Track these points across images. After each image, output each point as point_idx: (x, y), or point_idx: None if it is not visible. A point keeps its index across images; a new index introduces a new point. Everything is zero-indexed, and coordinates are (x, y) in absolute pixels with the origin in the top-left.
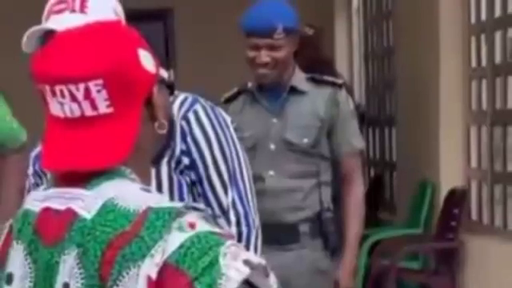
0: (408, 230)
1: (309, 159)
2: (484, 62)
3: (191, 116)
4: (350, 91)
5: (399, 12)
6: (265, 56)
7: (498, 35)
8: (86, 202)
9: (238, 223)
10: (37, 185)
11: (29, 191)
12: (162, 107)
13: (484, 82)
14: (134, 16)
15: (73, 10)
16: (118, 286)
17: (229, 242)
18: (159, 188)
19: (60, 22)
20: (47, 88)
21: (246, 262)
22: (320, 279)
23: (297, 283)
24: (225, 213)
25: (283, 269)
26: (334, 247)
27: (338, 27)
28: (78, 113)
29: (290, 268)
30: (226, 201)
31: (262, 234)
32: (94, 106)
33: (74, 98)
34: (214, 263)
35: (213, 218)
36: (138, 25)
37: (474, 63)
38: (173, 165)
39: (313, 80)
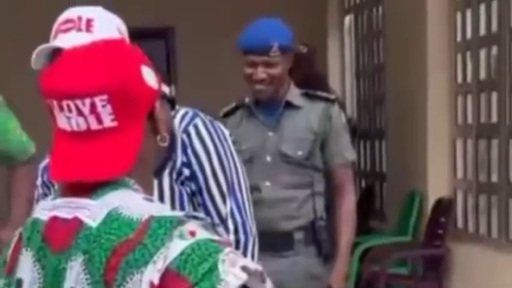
0: (397, 238)
1: (303, 171)
2: (469, 78)
3: (191, 130)
4: (342, 106)
5: (388, 31)
6: (261, 73)
7: (482, 53)
8: (91, 211)
9: (236, 231)
10: (45, 195)
11: (37, 201)
12: (164, 121)
13: (469, 97)
14: (137, 34)
15: (79, 29)
16: None
17: (227, 249)
18: (161, 198)
19: (67, 40)
20: (55, 103)
21: (244, 268)
22: (314, 284)
23: None
24: (223, 221)
25: (279, 274)
26: (327, 254)
27: (331, 45)
28: (84, 126)
29: (285, 274)
30: (225, 210)
31: (258, 242)
32: (99, 120)
33: (80, 113)
34: (213, 269)
35: (212, 227)
36: (140, 43)
37: (459, 79)
38: (174, 176)
39: (307, 95)
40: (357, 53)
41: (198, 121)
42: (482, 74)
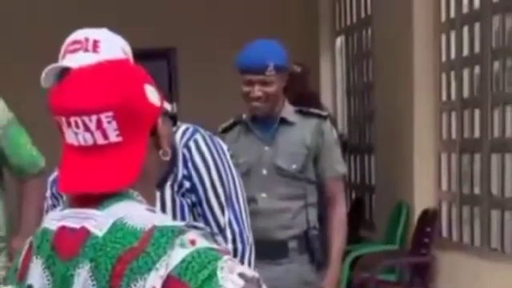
0: (385, 246)
1: (297, 183)
2: (453, 96)
3: (192, 144)
4: (334, 122)
5: (377, 52)
6: (258, 91)
7: (465, 72)
8: (98, 222)
9: (234, 240)
10: (54, 206)
11: (47, 212)
12: (166, 136)
13: (453, 114)
14: (141, 55)
15: (86, 50)
16: None
17: (225, 257)
18: (163, 209)
19: (75, 60)
20: (63, 119)
21: (241, 275)
22: None
23: None
24: (222, 231)
25: (274, 281)
26: (320, 261)
27: (323, 65)
28: (90, 141)
29: (280, 280)
30: (223, 220)
31: (255, 250)
32: (105, 136)
33: (87, 128)
34: (212, 276)
35: (211, 236)
36: (144, 63)
37: (444, 97)
38: (175, 188)
39: (300, 112)
40: (347, 72)
41: (198, 136)
42: (466, 93)
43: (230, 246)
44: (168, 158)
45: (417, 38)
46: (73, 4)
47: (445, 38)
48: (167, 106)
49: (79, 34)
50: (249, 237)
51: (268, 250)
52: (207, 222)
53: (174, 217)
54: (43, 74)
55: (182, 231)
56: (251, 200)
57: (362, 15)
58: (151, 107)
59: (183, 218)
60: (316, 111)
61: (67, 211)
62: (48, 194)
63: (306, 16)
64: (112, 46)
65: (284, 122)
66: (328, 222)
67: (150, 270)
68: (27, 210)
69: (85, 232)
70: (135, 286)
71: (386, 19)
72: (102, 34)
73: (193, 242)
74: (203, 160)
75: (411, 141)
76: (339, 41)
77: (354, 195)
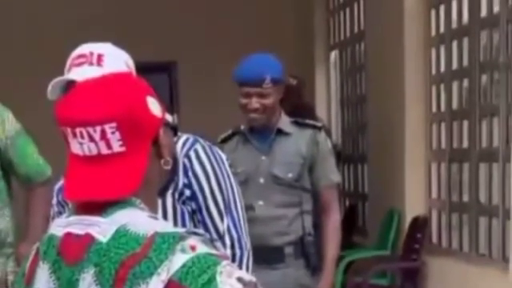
0: (378, 252)
1: (293, 191)
2: (443, 108)
3: (192, 154)
4: (328, 133)
5: (370, 65)
6: (255, 103)
7: (454, 85)
8: (102, 228)
9: (233, 246)
10: (60, 213)
11: (53, 218)
12: (167, 146)
13: (443, 124)
14: (143, 68)
15: (91, 64)
16: None
17: (224, 262)
18: (165, 216)
19: (80, 73)
20: (69, 130)
21: (239, 280)
22: None
23: None
24: (221, 237)
25: (271, 285)
26: (315, 266)
27: (318, 78)
28: (95, 151)
29: (277, 284)
30: (222, 227)
31: (252, 255)
32: (108, 146)
33: (91, 139)
34: (211, 280)
35: (210, 242)
36: (146, 76)
37: (434, 109)
38: (176, 196)
39: (296, 123)
40: (341, 85)
41: (198, 146)
42: (455, 104)
43: (228, 251)
44: (169, 167)
45: (408, 52)
46: (77, 20)
47: (435, 52)
48: (168, 118)
49: (84, 48)
50: (247, 243)
51: (265, 256)
52: (207, 229)
53: (175, 223)
54: (50, 87)
55: (182, 237)
56: (249, 207)
57: (355, 30)
58: (153, 118)
59: (184, 225)
60: (311, 122)
61: (72, 218)
62: (54, 201)
63: (301, 31)
64: (116, 60)
65: (280, 132)
66: (323, 229)
67: (151, 274)
68: (34, 217)
69: (89, 238)
70: None
71: (378, 34)
72: (106, 49)
73: (193, 248)
74: (203, 169)
75: (402, 150)
76: (333, 55)
77: (347, 203)
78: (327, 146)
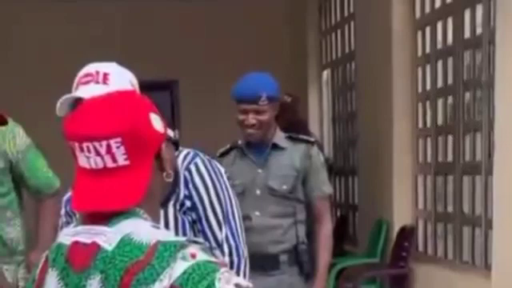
0: (367, 259)
1: (287, 202)
2: (429, 124)
3: (192, 167)
4: (321, 147)
5: (360, 83)
6: (252, 119)
7: (440, 102)
8: (107, 237)
9: (231, 254)
10: (68, 223)
11: (61, 228)
12: (169, 160)
13: (429, 139)
14: (146, 86)
15: (97, 82)
16: None
17: (223, 269)
18: (166, 225)
19: (87, 91)
20: (76, 145)
21: (237, 286)
22: None
23: None
24: (220, 245)
25: None
26: (308, 273)
27: (311, 96)
28: (101, 165)
29: None
30: (221, 236)
31: (249, 263)
32: (114, 159)
33: (98, 153)
34: (210, 286)
35: (210, 250)
36: (149, 93)
37: (420, 124)
38: (178, 207)
39: (290, 138)
40: (333, 102)
41: (198, 160)
42: (440, 120)
43: (226, 259)
44: (171, 180)
45: (395, 71)
46: (84, 41)
47: (421, 71)
48: (170, 133)
49: (91, 68)
50: (244, 251)
51: (261, 263)
52: (206, 238)
53: (177, 233)
54: (58, 104)
55: (183, 246)
56: (246, 217)
57: (346, 51)
58: (156, 134)
59: (185, 234)
60: (304, 137)
61: (80, 228)
62: (62, 212)
63: (295, 51)
64: (120, 79)
65: (275, 147)
66: (315, 237)
67: (154, 280)
68: (44, 226)
69: (96, 246)
70: None
71: (367, 54)
72: (112, 68)
73: (193, 256)
74: (203, 181)
75: (390, 164)
76: (325, 74)
77: (339, 213)
78: (319, 160)
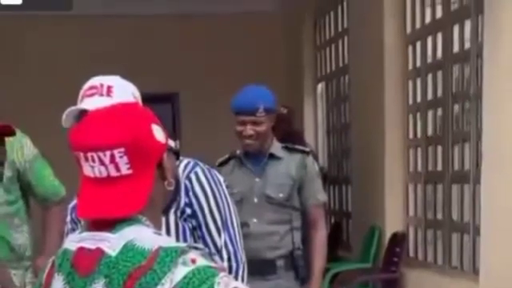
0: (360, 265)
1: (284, 210)
2: (419, 134)
3: (193, 176)
4: (316, 157)
5: (353, 96)
6: (249, 130)
7: (430, 113)
8: (111, 243)
9: (229, 259)
10: (73, 230)
11: (67, 234)
12: (170, 169)
13: (419, 149)
14: (148, 99)
15: (101, 94)
16: None
17: (222, 274)
18: (168, 232)
19: (91, 103)
20: (81, 154)
21: None
22: None
23: None
24: (219, 251)
25: None
26: (304, 277)
27: (306, 108)
28: (105, 174)
29: None
30: (220, 242)
31: (247, 268)
32: (117, 169)
33: (102, 162)
34: None
35: (209, 255)
36: (151, 105)
37: (411, 135)
38: (178, 214)
39: (287, 148)
40: (327, 114)
41: (198, 169)
42: (430, 131)
43: (225, 264)
44: (172, 188)
45: (387, 84)
46: (89, 55)
47: (411, 84)
48: (171, 143)
49: (95, 81)
50: (242, 256)
51: (259, 268)
52: (206, 244)
53: (177, 239)
54: (64, 116)
55: (184, 251)
56: (244, 224)
57: (340, 64)
58: (158, 144)
59: (185, 240)
60: (300, 147)
61: (85, 234)
62: (68, 219)
63: (291, 65)
64: (123, 91)
65: (272, 156)
66: (310, 243)
67: (156, 285)
68: (50, 233)
69: (100, 252)
70: None
71: (360, 68)
72: (115, 81)
73: (193, 261)
74: (202, 190)
75: (382, 173)
76: (320, 87)
77: (333, 220)
78: (314, 169)
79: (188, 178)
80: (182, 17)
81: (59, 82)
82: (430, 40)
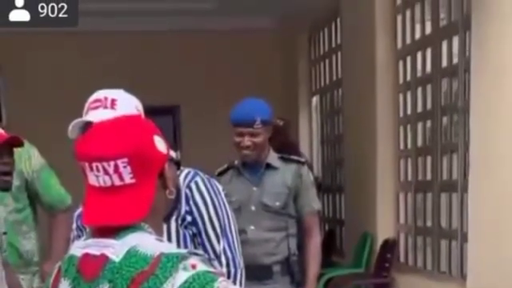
0: (353, 270)
1: (280, 217)
2: (409, 145)
3: (193, 185)
4: (310, 167)
5: (346, 109)
6: (247, 141)
7: (419, 125)
8: (115, 249)
9: (228, 265)
10: (79, 236)
11: (73, 241)
12: (172, 179)
13: (409, 160)
14: (150, 111)
15: (105, 107)
16: None
17: (221, 279)
18: (169, 239)
19: (96, 115)
20: (86, 164)
21: None
22: None
23: None
24: (218, 257)
25: None
26: (299, 282)
27: (302, 120)
28: (109, 183)
29: None
30: (219, 248)
31: (245, 273)
32: (121, 178)
33: (106, 172)
34: None
35: (209, 261)
36: (153, 118)
37: (402, 146)
38: (179, 221)
39: (283, 159)
40: (322, 125)
41: (198, 178)
42: (419, 142)
43: (224, 269)
44: (173, 197)
45: (379, 97)
46: (94, 70)
47: (402, 97)
48: (172, 154)
49: (100, 94)
50: (240, 262)
51: (256, 273)
52: (205, 250)
53: (178, 245)
54: (70, 127)
55: (184, 257)
56: (242, 231)
57: (334, 78)
58: (159, 154)
59: (186, 246)
60: (295, 158)
61: (90, 240)
62: (74, 226)
63: (287, 79)
64: (127, 104)
65: (269, 166)
66: (305, 250)
67: None
68: (56, 239)
69: (104, 258)
70: None
71: (353, 82)
72: (119, 94)
73: (194, 266)
74: (202, 198)
75: (374, 182)
76: (315, 100)
77: (327, 227)
78: (309, 179)
79: (188, 187)
80: (182, 33)
81: (65, 95)
82: (419, 55)
